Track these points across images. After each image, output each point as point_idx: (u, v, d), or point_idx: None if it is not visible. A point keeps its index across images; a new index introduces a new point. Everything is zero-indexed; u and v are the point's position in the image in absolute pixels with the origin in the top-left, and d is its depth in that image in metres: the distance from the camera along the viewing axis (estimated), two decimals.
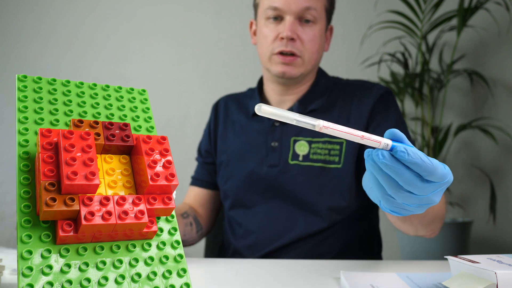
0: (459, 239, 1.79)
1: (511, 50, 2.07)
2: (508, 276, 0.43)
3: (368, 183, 0.51)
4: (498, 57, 2.09)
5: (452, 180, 0.47)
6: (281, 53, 0.93)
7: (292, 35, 0.91)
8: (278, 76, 0.95)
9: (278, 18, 0.93)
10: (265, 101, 1.03)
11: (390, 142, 0.44)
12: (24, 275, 0.37)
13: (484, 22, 2.06)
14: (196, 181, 1.08)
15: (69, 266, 0.39)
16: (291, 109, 0.97)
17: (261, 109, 0.40)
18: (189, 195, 1.07)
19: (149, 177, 0.43)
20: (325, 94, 0.98)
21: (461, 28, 1.88)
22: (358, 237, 0.96)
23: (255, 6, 1.01)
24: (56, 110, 0.47)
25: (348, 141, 0.91)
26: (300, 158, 0.93)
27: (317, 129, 0.41)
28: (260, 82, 1.06)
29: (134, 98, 0.53)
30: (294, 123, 0.40)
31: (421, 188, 0.44)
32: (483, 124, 1.97)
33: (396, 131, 0.45)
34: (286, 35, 0.91)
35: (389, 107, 0.95)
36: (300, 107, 0.96)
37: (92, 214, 0.39)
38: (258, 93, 1.03)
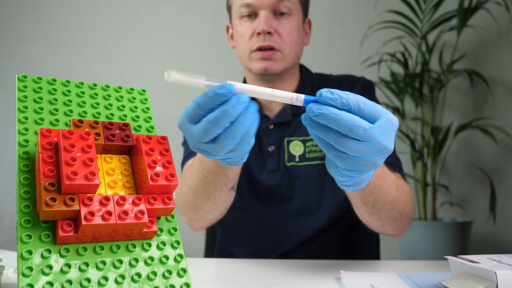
0: (459, 239, 1.79)
1: (511, 50, 2.07)
2: (508, 276, 0.43)
3: (328, 163, 0.50)
4: (498, 57, 2.09)
5: (397, 121, 0.45)
6: (260, 49, 0.90)
7: (269, 28, 0.88)
8: (260, 74, 0.92)
9: (252, 15, 0.91)
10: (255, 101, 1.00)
11: (302, 95, 0.43)
12: (24, 275, 0.37)
13: (484, 22, 2.06)
14: (193, 153, 0.96)
15: (69, 266, 0.39)
16: (283, 110, 0.94)
17: (170, 75, 0.41)
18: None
19: (149, 177, 0.43)
20: (314, 93, 0.97)
21: (461, 28, 1.88)
22: (357, 236, 0.96)
23: (229, 9, 0.99)
24: (56, 110, 0.47)
25: None
26: (297, 159, 0.92)
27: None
28: (245, 82, 1.02)
29: (134, 98, 0.53)
30: (203, 87, 0.42)
31: (364, 132, 0.42)
32: (483, 124, 1.97)
33: (323, 90, 0.43)
34: (262, 29, 0.88)
35: (371, 98, 0.94)
36: (293, 107, 0.95)
37: (92, 214, 0.39)
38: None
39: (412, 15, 1.99)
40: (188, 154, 0.98)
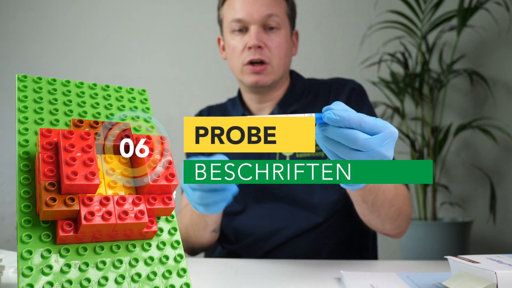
0: (459, 239, 1.79)
1: (511, 50, 2.07)
2: (508, 276, 0.43)
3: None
4: (498, 57, 2.09)
5: (396, 132, 0.50)
6: (251, 63, 0.95)
7: (259, 43, 0.94)
8: (251, 86, 0.97)
9: (243, 29, 0.96)
10: (246, 110, 1.05)
11: (312, 115, 0.48)
12: (24, 275, 0.37)
13: (484, 22, 2.06)
14: None
15: (69, 266, 0.39)
16: (272, 113, 1.01)
17: None
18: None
19: (149, 177, 0.43)
20: (303, 97, 1.01)
21: (461, 28, 1.88)
22: (352, 232, 0.97)
23: (220, 22, 1.04)
24: (56, 110, 0.47)
25: None
26: (287, 159, 0.95)
27: None
28: (240, 91, 1.08)
29: (134, 98, 0.53)
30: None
31: (364, 143, 0.47)
32: (483, 124, 1.96)
33: (330, 106, 0.49)
34: (253, 44, 0.93)
35: (362, 101, 0.98)
36: (281, 110, 0.99)
37: (92, 214, 0.39)
38: (239, 103, 1.05)
39: (412, 15, 1.99)
40: None
